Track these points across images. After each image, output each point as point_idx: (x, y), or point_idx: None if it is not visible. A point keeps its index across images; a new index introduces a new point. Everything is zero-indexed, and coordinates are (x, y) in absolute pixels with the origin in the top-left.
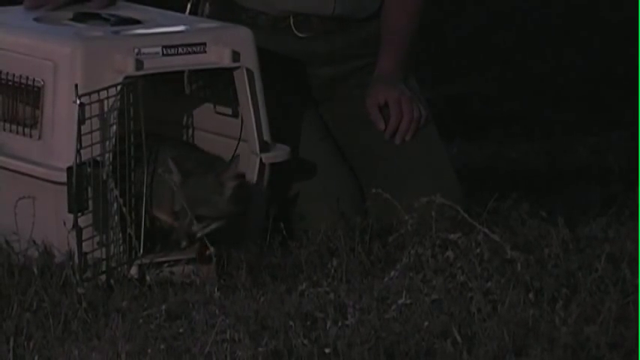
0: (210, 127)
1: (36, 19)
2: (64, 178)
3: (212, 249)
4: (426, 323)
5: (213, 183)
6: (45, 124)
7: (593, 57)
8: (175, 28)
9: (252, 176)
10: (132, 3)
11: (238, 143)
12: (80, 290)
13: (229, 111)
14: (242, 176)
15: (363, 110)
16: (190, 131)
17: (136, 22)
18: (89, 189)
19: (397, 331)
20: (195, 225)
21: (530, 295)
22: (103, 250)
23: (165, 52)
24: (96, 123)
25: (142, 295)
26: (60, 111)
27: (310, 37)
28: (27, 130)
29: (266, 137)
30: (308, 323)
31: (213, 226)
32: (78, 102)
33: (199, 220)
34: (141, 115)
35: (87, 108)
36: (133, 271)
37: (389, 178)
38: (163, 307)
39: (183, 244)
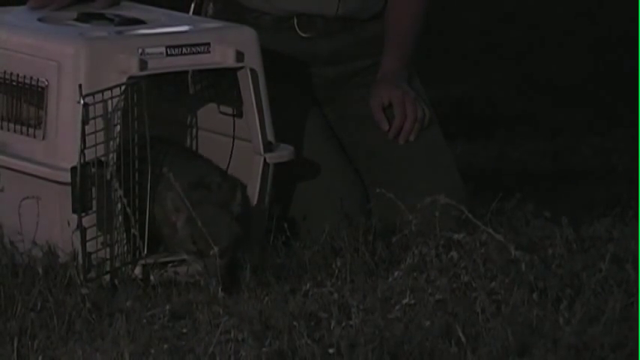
0: (214, 127)
1: (40, 20)
2: (68, 178)
3: (216, 249)
4: (430, 323)
5: (220, 212)
6: (49, 125)
7: (597, 57)
8: (179, 28)
9: (256, 176)
10: (136, 3)
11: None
12: (84, 290)
13: (233, 111)
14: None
15: (366, 110)
16: (194, 131)
17: (140, 22)
18: (93, 189)
19: (401, 332)
20: (222, 260)
21: (534, 296)
22: (107, 250)
23: (169, 52)
24: (100, 123)
25: (145, 295)
26: (64, 111)
27: (314, 38)
28: (31, 131)
29: (270, 137)
30: (312, 323)
31: (235, 252)
32: (82, 102)
33: (222, 255)
34: (145, 116)
35: (91, 108)
36: (137, 271)
37: (393, 179)
38: (167, 307)
39: (214, 284)
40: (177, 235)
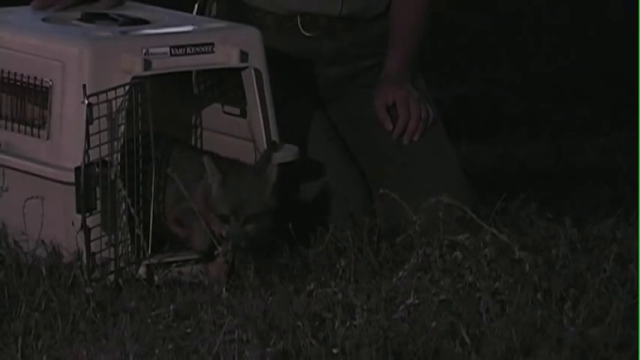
0: (218, 127)
1: (44, 20)
2: (72, 178)
3: (220, 249)
4: (434, 323)
5: (255, 179)
6: (53, 125)
7: (600, 57)
8: (183, 28)
9: None
10: (140, 3)
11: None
12: (88, 290)
13: (237, 111)
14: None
15: (370, 110)
16: (198, 131)
17: (144, 22)
18: (97, 189)
19: (405, 332)
20: (249, 226)
21: (539, 296)
22: (112, 250)
23: (173, 52)
24: (104, 123)
25: (150, 295)
26: (68, 111)
27: (318, 37)
28: (35, 131)
29: (274, 137)
30: (316, 323)
31: (263, 224)
32: (86, 102)
33: (249, 221)
34: (149, 116)
35: (95, 108)
36: (142, 271)
37: (397, 179)
38: (171, 307)
39: (242, 245)
40: (210, 198)
